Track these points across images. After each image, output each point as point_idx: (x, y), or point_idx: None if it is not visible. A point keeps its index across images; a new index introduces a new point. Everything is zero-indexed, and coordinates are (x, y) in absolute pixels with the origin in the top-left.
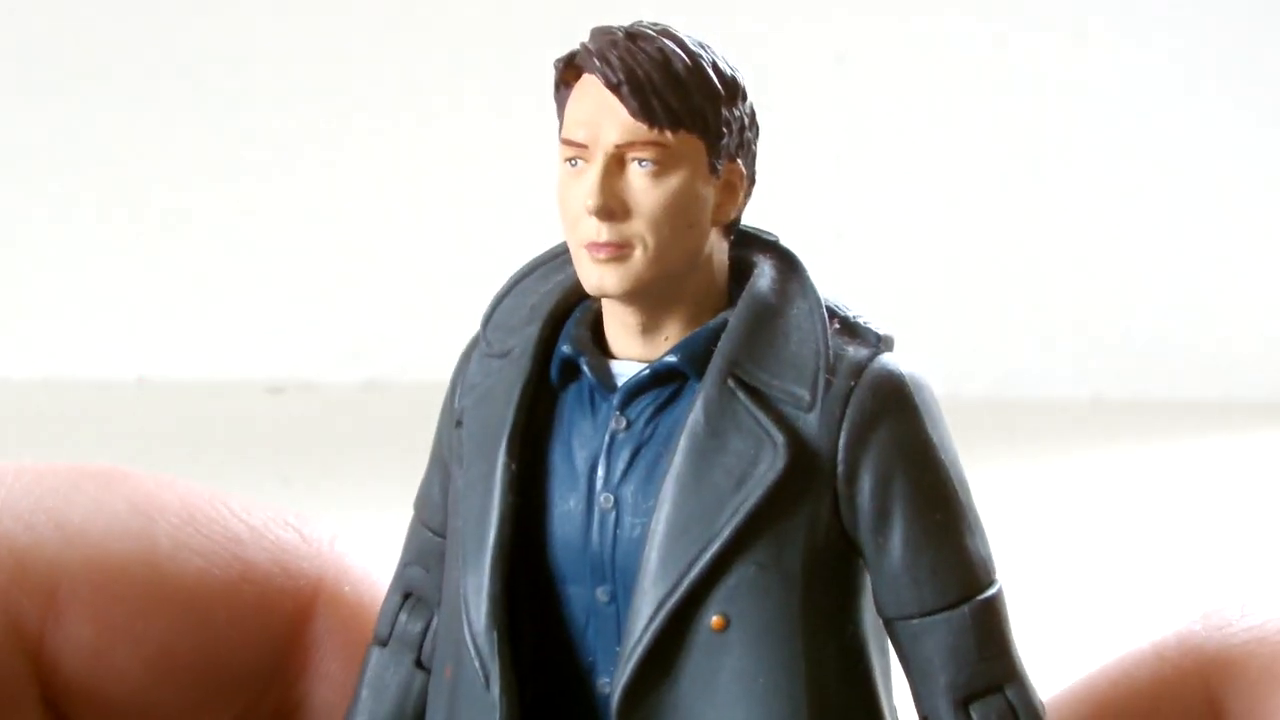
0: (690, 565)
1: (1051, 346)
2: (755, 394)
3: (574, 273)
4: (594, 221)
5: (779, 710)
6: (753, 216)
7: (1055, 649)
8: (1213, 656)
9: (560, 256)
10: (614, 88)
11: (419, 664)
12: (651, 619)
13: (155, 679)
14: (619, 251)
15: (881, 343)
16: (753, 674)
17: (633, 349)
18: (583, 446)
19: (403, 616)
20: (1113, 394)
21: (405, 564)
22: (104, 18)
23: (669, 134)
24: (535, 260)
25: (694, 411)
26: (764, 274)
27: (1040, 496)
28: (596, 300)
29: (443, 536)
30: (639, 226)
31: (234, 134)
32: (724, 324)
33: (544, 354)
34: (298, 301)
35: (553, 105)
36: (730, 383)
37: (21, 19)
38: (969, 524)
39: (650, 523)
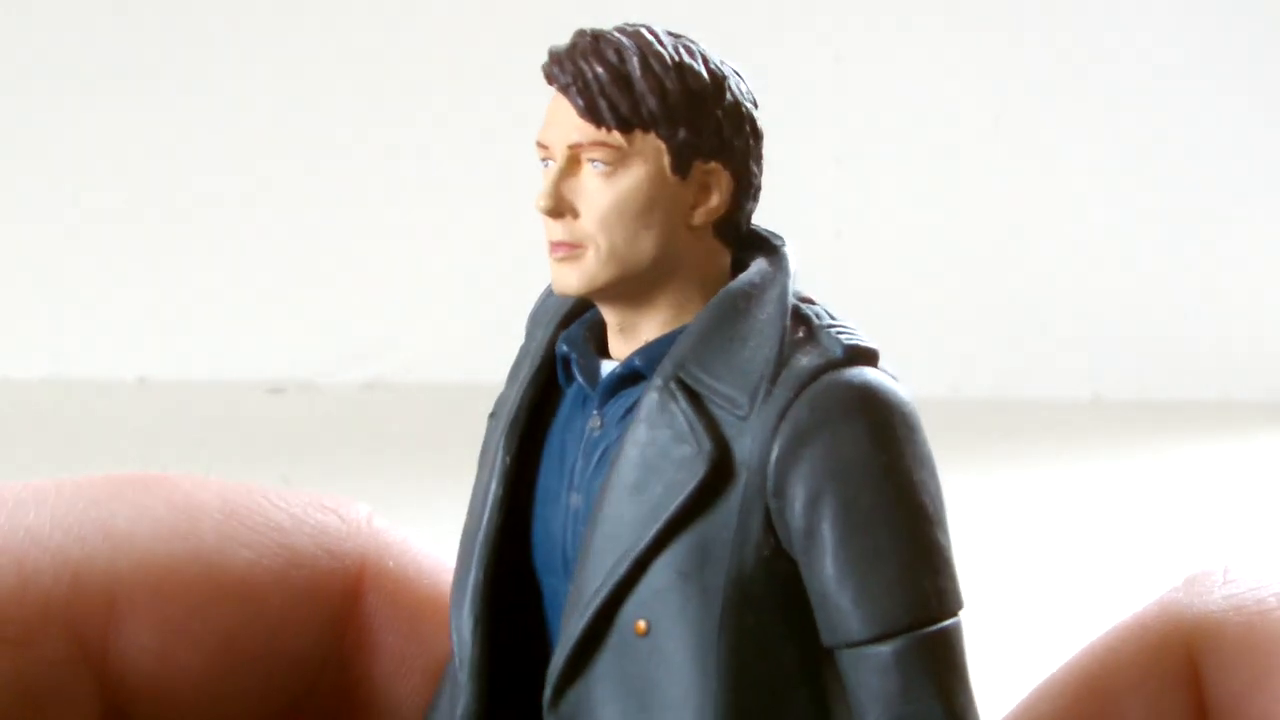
0: (616, 565)
1: (1051, 346)
2: (694, 397)
3: None
4: (548, 221)
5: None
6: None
7: (1055, 648)
8: (1193, 623)
9: None
10: (563, 90)
11: None
12: (581, 616)
13: (218, 673)
14: (572, 251)
15: (850, 355)
16: (665, 683)
17: (617, 350)
18: (572, 445)
19: None
20: (1113, 394)
21: None
22: (106, 18)
23: (618, 134)
24: None
25: (634, 416)
26: (746, 277)
27: (1040, 497)
28: None
29: None
30: (590, 227)
31: (234, 135)
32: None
33: (553, 353)
34: (298, 301)
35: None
36: (672, 385)
37: (22, 20)
38: (917, 552)
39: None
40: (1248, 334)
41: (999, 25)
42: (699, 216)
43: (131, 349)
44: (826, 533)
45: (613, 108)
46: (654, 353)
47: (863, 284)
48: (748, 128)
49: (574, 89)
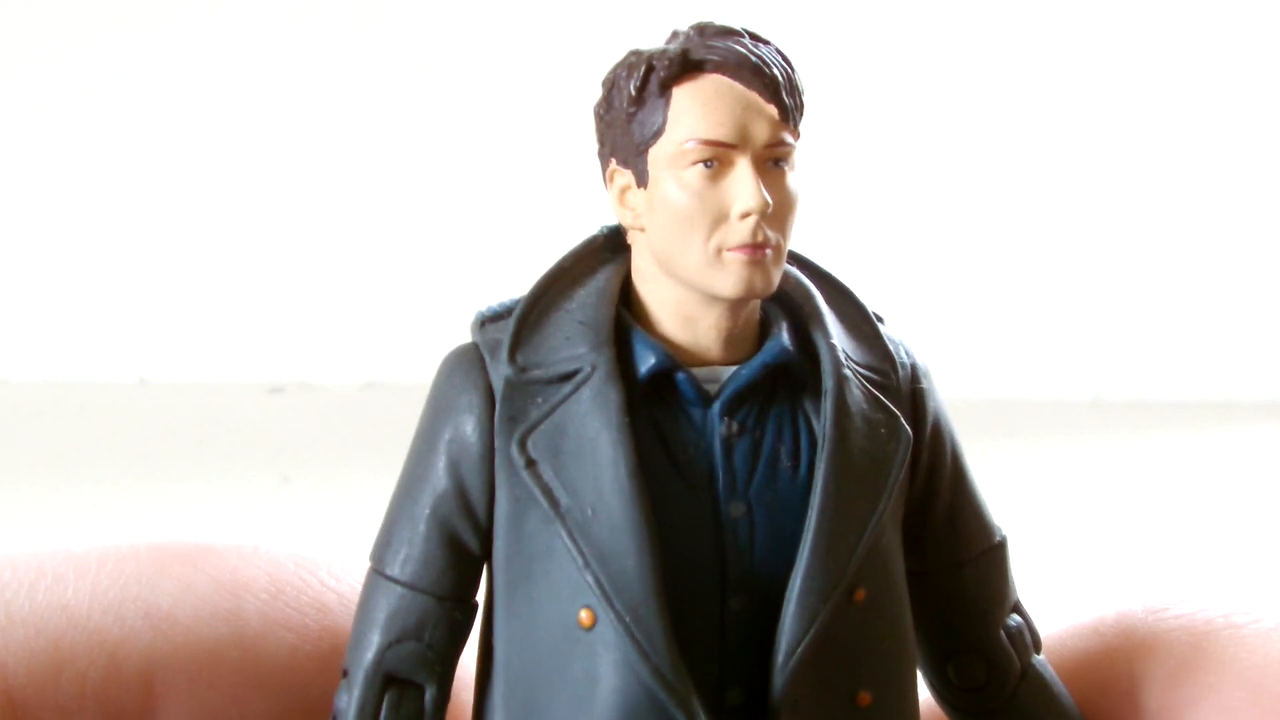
0: (853, 549)
1: (1051, 346)
2: (869, 380)
3: (605, 282)
4: (750, 223)
5: (898, 669)
6: None
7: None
8: (1141, 639)
9: (570, 269)
10: (769, 88)
11: None
12: (821, 606)
13: None
14: (765, 253)
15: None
16: (877, 642)
17: (715, 354)
18: (687, 458)
19: (387, 704)
20: (1113, 394)
21: (385, 646)
22: (105, 20)
23: (796, 133)
24: (544, 280)
25: (831, 403)
26: (795, 271)
27: (1040, 497)
28: (631, 308)
29: (450, 599)
30: (779, 226)
31: (235, 135)
32: (797, 320)
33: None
34: (298, 302)
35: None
36: (847, 371)
37: (23, 22)
38: None
39: (807, 518)
40: (1248, 334)
41: (1000, 25)
42: None
43: (132, 350)
44: (950, 472)
45: (799, 108)
46: (793, 349)
47: (863, 284)
48: None
49: (784, 90)
